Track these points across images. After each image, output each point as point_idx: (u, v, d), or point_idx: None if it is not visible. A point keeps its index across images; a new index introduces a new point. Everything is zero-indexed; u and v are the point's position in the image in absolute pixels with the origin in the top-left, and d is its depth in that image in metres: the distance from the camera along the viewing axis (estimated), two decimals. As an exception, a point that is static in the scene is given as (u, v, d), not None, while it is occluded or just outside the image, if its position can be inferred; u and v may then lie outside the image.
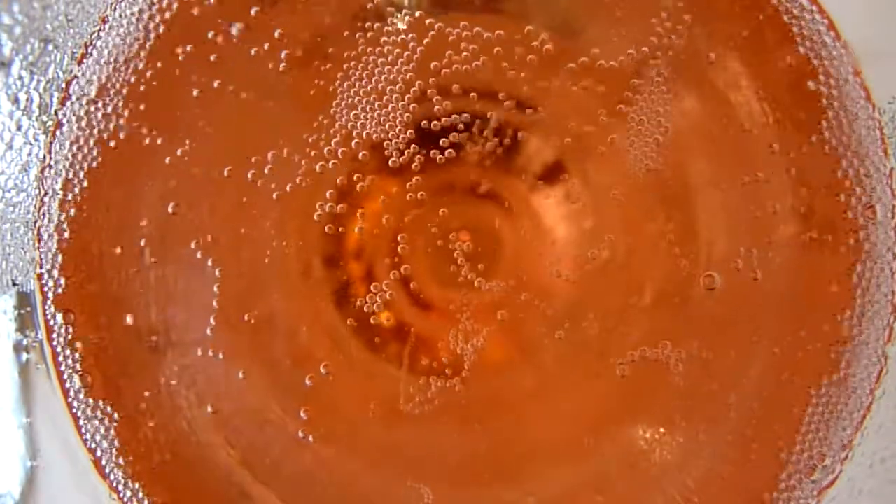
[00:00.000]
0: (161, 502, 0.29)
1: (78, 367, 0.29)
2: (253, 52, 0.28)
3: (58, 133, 0.29)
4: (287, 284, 0.29)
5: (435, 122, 0.28)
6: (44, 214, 0.29)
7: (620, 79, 0.29)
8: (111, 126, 0.29)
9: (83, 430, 0.29)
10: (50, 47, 0.28)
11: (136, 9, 0.29)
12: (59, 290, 0.29)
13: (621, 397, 0.29)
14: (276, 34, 0.28)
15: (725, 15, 0.29)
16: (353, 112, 0.28)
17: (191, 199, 0.29)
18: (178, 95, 0.29)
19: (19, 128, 0.29)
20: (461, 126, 0.28)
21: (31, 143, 0.29)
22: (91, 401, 0.29)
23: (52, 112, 0.29)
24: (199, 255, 0.29)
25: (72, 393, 0.29)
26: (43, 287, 0.29)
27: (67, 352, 0.29)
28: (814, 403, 0.29)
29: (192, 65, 0.29)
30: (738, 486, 0.29)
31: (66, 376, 0.29)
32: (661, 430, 0.29)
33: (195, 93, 0.29)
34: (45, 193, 0.29)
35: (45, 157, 0.29)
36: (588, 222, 0.29)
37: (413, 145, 0.28)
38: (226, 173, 0.29)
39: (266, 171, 0.29)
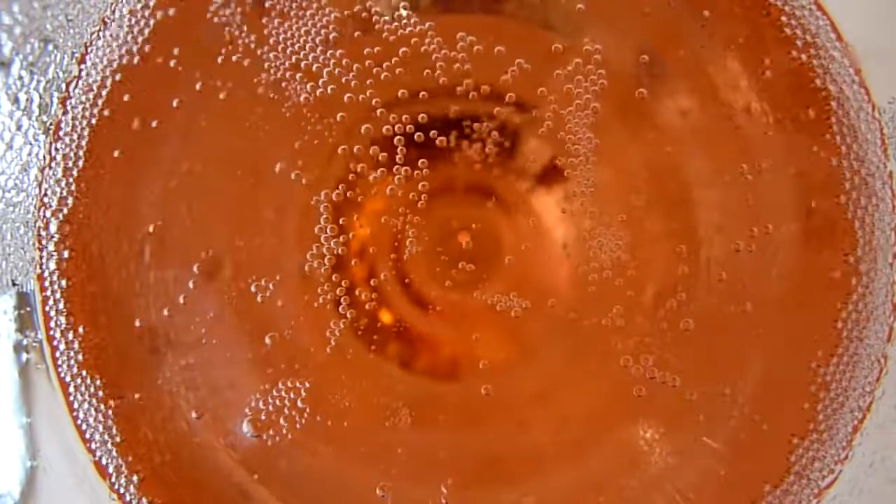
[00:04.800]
0: (161, 502, 0.29)
1: (78, 367, 0.29)
2: (252, 53, 0.28)
3: (58, 133, 0.29)
4: (287, 285, 0.29)
5: (435, 123, 0.28)
6: (44, 214, 0.29)
7: (621, 79, 0.29)
8: (111, 126, 0.29)
9: (83, 431, 0.29)
10: (50, 47, 0.28)
11: (135, 9, 0.29)
12: (60, 291, 0.29)
13: (621, 397, 0.29)
14: (274, 36, 0.28)
15: (725, 15, 0.29)
16: (353, 114, 0.28)
17: (191, 199, 0.29)
18: (178, 96, 0.29)
19: (19, 128, 0.29)
20: (461, 127, 0.28)
21: (31, 143, 0.29)
22: (91, 401, 0.29)
23: (52, 112, 0.29)
24: (198, 255, 0.29)
25: (72, 393, 0.29)
26: (43, 287, 0.29)
27: (67, 352, 0.29)
28: (813, 403, 0.29)
29: (192, 66, 0.29)
30: (738, 486, 0.29)
31: (66, 376, 0.29)
32: (662, 429, 0.29)
33: (195, 94, 0.29)
34: (45, 193, 0.29)
35: (45, 157, 0.29)
36: (588, 222, 0.29)
37: (413, 147, 0.28)
38: (225, 174, 0.29)
39: (266, 172, 0.29)
